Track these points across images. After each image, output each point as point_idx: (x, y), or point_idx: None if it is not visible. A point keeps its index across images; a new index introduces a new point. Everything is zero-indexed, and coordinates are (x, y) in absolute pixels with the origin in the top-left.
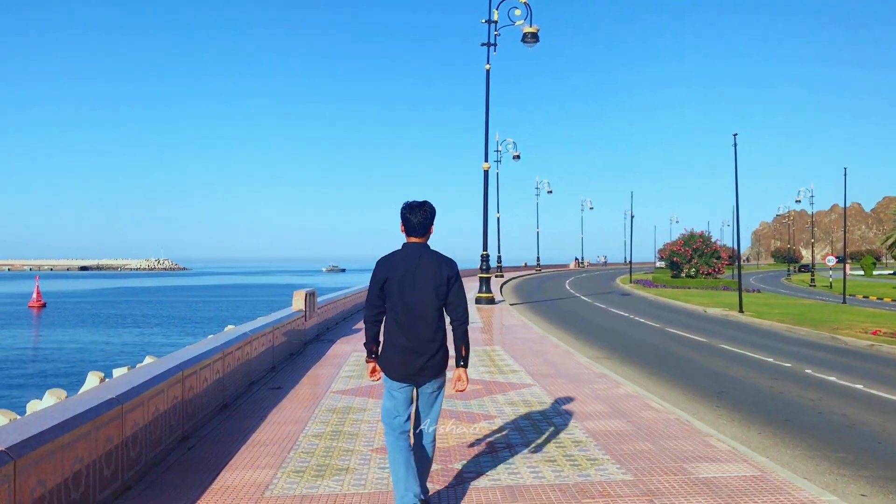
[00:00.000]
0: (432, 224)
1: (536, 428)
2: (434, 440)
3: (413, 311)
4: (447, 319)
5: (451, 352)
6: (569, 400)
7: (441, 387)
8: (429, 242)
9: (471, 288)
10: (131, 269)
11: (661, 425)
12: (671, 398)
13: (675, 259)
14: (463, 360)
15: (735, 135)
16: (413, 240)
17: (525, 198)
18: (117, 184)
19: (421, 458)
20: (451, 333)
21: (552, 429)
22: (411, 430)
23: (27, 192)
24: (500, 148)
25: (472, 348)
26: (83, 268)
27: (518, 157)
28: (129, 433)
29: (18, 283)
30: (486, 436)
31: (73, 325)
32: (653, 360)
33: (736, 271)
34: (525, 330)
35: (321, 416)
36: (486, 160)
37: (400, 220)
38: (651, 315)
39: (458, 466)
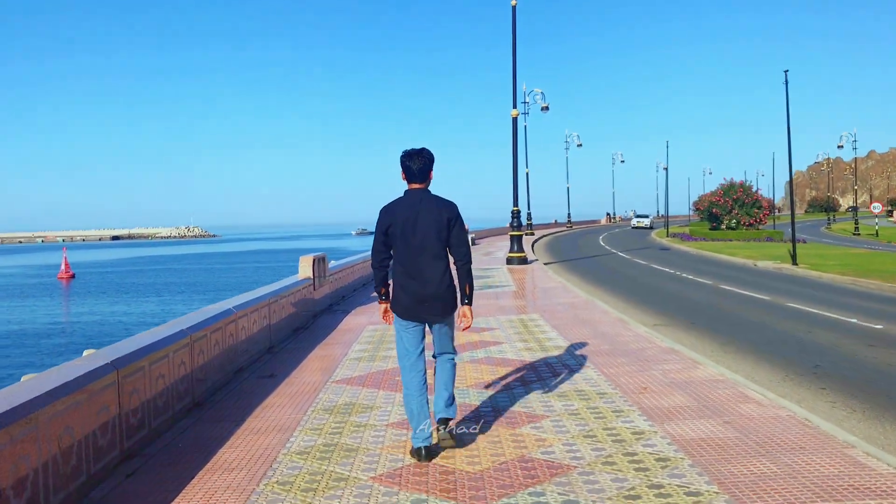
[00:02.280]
0: (431, 170)
1: (601, 437)
2: (453, 367)
3: (417, 253)
4: (451, 260)
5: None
6: (637, 390)
7: (451, 324)
8: (446, 194)
9: (501, 247)
10: (162, 237)
11: (774, 428)
12: (762, 379)
13: (714, 210)
14: (467, 298)
15: (786, 71)
16: (414, 186)
17: (554, 152)
18: (149, 153)
19: (441, 384)
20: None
21: (622, 439)
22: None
23: (61, 164)
24: (527, 99)
25: (505, 316)
26: (115, 237)
27: (547, 108)
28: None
29: (50, 254)
30: (535, 457)
31: (97, 295)
32: (719, 325)
33: (776, 222)
34: (565, 293)
35: (315, 418)
36: (515, 106)
37: (401, 169)
38: (697, 271)
39: None
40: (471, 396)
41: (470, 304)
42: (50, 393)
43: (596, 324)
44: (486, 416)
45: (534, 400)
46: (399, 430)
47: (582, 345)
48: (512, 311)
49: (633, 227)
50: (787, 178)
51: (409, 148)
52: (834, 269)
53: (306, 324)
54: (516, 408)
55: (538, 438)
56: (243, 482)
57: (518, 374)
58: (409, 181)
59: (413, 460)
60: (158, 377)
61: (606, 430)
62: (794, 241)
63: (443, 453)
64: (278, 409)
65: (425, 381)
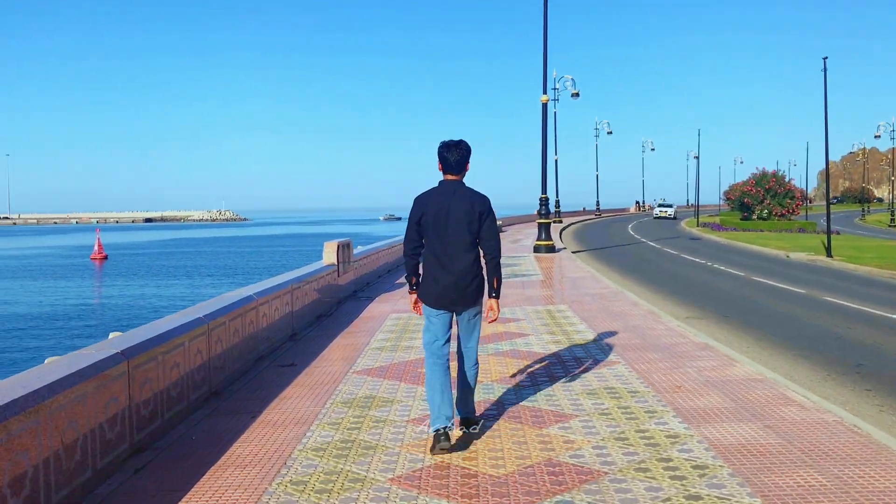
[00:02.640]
0: (468, 161)
1: (633, 440)
2: (476, 363)
3: (448, 244)
4: (481, 252)
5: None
6: (670, 388)
7: (478, 314)
8: (474, 184)
9: (528, 235)
10: (194, 220)
11: (819, 434)
12: (802, 378)
13: (745, 200)
14: (495, 292)
15: (825, 59)
16: (449, 177)
17: (583, 140)
18: (183, 137)
19: (464, 380)
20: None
21: (656, 442)
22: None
23: (97, 147)
24: (557, 86)
25: (532, 307)
26: (148, 220)
27: (577, 94)
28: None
29: (84, 235)
30: (563, 461)
31: (128, 277)
32: (754, 319)
33: (809, 213)
34: (594, 283)
35: (333, 412)
36: (545, 92)
37: (437, 160)
38: (728, 261)
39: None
40: (495, 391)
41: (497, 297)
42: (52, 385)
43: (626, 316)
44: (511, 413)
45: (561, 397)
46: (419, 427)
47: (612, 338)
48: (539, 301)
49: (655, 218)
50: (822, 168)
51: (446, 139)
52: (871, 261)
53: (330, 311)
54: (543, 405)
55: (566, 440)
56: (255, 480)
57: (545, 369)
58: (445, 172)
59: (434, 460)
60: (173, 367)
61: (639, 433)
62: (828, 232)
63: (465, 454)
64: (296, 401)
65: (448, 369)
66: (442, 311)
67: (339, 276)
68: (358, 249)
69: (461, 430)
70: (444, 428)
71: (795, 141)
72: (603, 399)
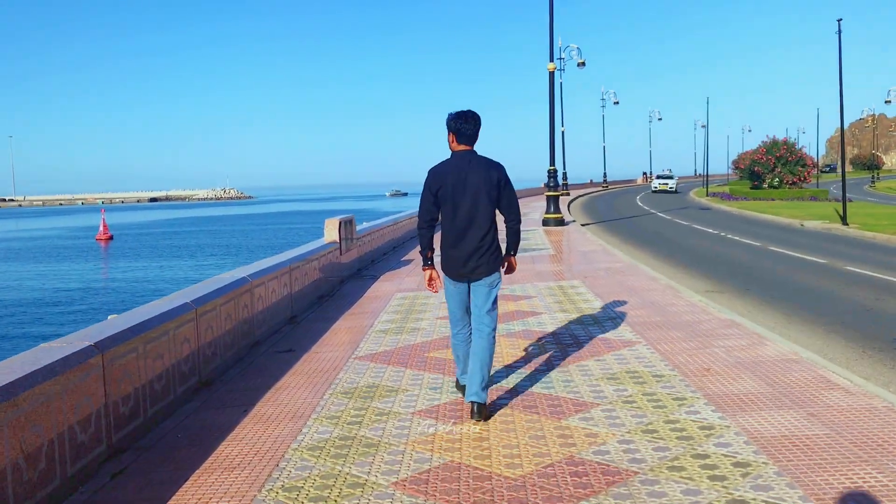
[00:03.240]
0: (479, 132)
1: (662, 432)
2: (493, 332)
3: (466, 214)
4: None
5: None
6: (698, 371)
7: (494, 283)
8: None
9: (535, 208)
10: (199, 199)
11: (870, 424)
12: (838, 356)
13: (755, 169)
14: (513, 249)
15: (839, 20)
16: (462, 147)
17: (589, 112)
18: (188, 117)
19: (478, 350)
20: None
21: (688, 435)
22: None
23: (100, 128)
24: (563, 55)
25: (543, 283)
26: (153, 199)
27: (583, 64)
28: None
29: (90, 216)
30: (587, 458)
31: (132, 257)
32: (777, 292)
33: (819, 181)
34: (606, 256)
35: (332, 403)
36: (551, 60)
37: (448, 131)
38: (742, 231)
39: None
40: (508, 378)
41: (514, 254)
42: (9, 387)
43: (643, 291)
44: (526, 401)
45: (580, 382)
46: (426, 420)
47: (630, 316)
48: (550, 276)
49: (653, 191)
50: (829, 135)
51: (456, 110)
52: (888, 229)
53: (332, 291)
54: (561, 392)
55: (589, 433)
56: (244, 486)
57: (561, 351)
58: (459, 143)
59: (443, 459)
60: (156, 358)
61: (668, 424)
62: (844, 199)
63: (478, 453)
64: (293, 391)
65: (469, 337)
66: (458, 283)
67: (341, 254)
68: (362, 226)
69: (472, 416)
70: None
71: (804, 108)
72: (625, 384)
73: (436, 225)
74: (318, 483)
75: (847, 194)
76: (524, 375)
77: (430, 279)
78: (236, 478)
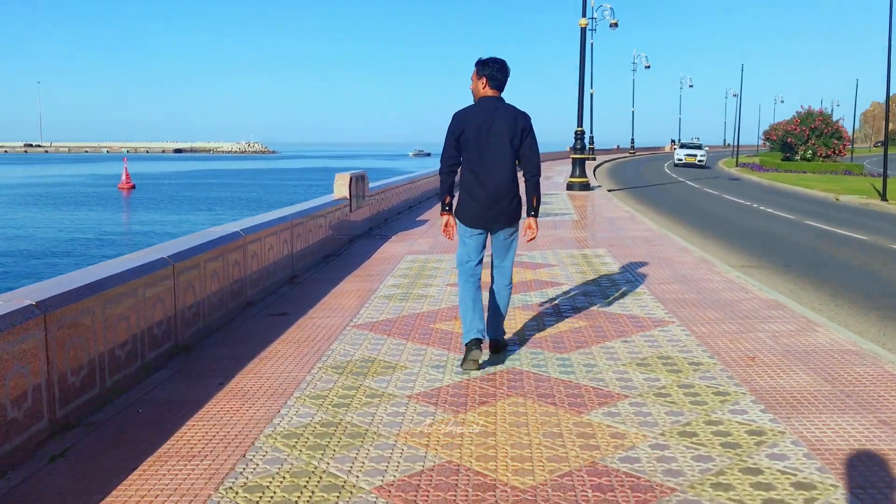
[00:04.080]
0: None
1: (703, 436)
2: (510, 283)
3: (489, 160)
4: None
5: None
6: (742, 359)
7: (514, 234)
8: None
9: (560, 172)
10: (223, 151)
11: None
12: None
13: (788, 140)
14: (534, 210)
15: None
16: (491, 92)
17: (619, 77)
18: (217, 69)
19: (496, 301)
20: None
21: (734, 442)
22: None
23: (129, 76)
24: (595, 15)
25: (565, 251)
26: (177, 150)
27: (616, 24)
28: None
29: (114, 164)
30: (613, 467)
31: (150, 207)
32: (820, 270)
33: (853, 155)
34: (634, 224)
35: (320, 380)
36: (584, 15)
37: (479, 76)
38: (774, 203)
39: None
40: (522, 357)
41: (536, 216)
42: None
43: (674, 263)
44: (541, 389)
45: (605, 368)
46: (424, 406)
47: (661, 291)
48: (573, 244)
49: (676, 164)
50: (865, 108)
51: (487, 56)
52: None
53: (339, 250)
54: (582, 379)
55: (615, 433)
56: (199, 481)
57: (583, 330)
58: (490, 87)
59: (439, 459)
60: (119, 320)
61: (710, 426)
62: (885, 173)
63: (481, 452)
64: (279, 363)
65: (480, 287)
66: (477, 232)
67: (351, 211)
68: (376, 183)
69: (491, 353)
70: (477, 340)
71: (838, 81)
72: (657, 372)
73: (456, 170)
74: (286, 483)
75: (877, 169)
76: (541, 356)
77: (447, 224)
78: (193, 470)
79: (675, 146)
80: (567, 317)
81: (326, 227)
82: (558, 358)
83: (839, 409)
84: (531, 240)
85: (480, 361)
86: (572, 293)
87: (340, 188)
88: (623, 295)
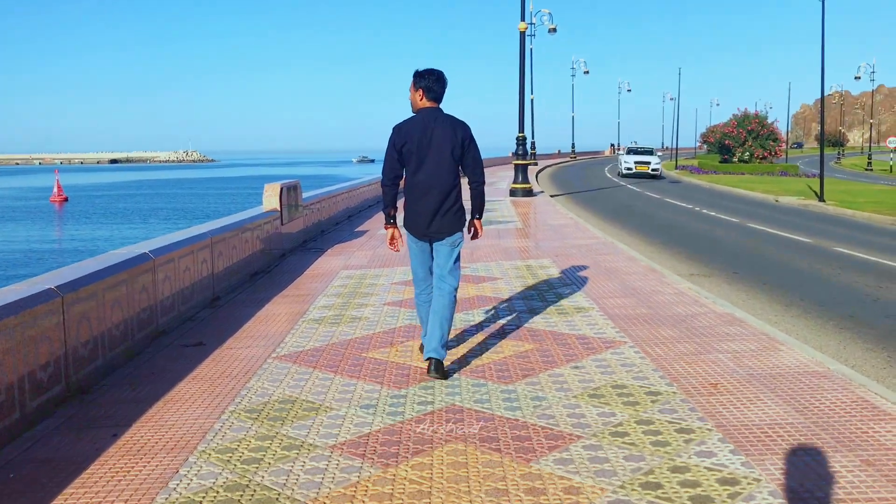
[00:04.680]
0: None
1: (668, 488)
2: (454, 291)
3: (431, 172)
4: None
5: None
6: (703, 387)
7: (457, 242)
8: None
9: (502, 178)
10: (160, 161)
11: None
12: (863, 364)
13: (726, 142)
14: (478, 213)
15: None
16: (429, 104)
17: (557, 81)
18: (149, 77)
19: (438, 309)
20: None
21: (706, 494)
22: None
23: (62, 86)
24: (534, 20)
25: (510, 262)
26: (113, 160)
27: (554, 29)
28: None
29: (47, 176)
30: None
31: (81, 221)
32: (769, 277)
33: (788, 156)
34: (578, 232)
35: (231, 427)
36: (523, 19)
37: (415, 88)
38: (717, 206)
39: None
40: (463, 393)
41: (480, 217)
42: None
43: (622, 274)
44: (484, 430)
45: (554, 401)
46: (349, 459)
47: (610, 306)
48: (517, 254)
49: (623, 174)
50: (795, 111)
51: (423, 68)
52: (866, 206)
53: (269, 266)
54: (529, 416)
55: (568, 488)
56: None
57: (530, 354)
58: (427, 99)
59: None
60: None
61: (675, 473)
62: (822, 175)
63: None
64: (186, 406)
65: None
66: (421, 241)
67: (282, 224)
68: (313, 192)
69: (429, 371)
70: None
71: (770, 84)
72: (613, 405)
73: (399, 182)
74: None
75: (814, 170)
76: (483, 388)
77: (392, 238)
78: None
79: (620, 150)
80: (512, 338)
81: (254, 242)
82: (503, 390)
83: (816, 448)
84: (476, 238)
85: (442, 376)
86: (517, 310)
87: (270, 199)
88: (570, 312)
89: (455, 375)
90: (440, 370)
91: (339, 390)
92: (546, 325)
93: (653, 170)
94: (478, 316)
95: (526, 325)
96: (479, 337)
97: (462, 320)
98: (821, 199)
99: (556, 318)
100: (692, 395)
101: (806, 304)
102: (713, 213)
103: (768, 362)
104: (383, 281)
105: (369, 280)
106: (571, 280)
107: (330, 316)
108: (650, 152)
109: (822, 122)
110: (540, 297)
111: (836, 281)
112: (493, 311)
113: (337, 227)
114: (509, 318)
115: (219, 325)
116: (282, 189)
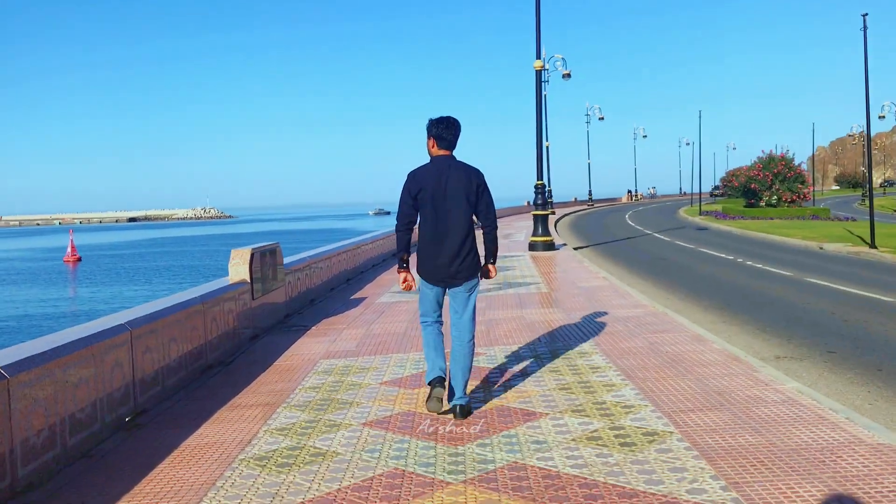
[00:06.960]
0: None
1: None
2: (472, 339)
3: (446, 219)
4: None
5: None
6: None
7: (473, 288)
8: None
9: (520, 228)
10: (178, 218)
11: None
12: None
13: (752, 186)
14: (492, 257)
15: (865, 15)
16: (441, 153)
17: (572, 128)
18: (169, 137)
19: (459, 358)
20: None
21: None
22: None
23: (82, 147)
24: (547, 66)
25: (539, 349)
26: (131, 219)
27: (568, 75)
28: None
29: (64, 236)
30: None
31: (93, 281)
32: (872, 354)
33: (815, 199)
34: (617, 297)
35: None
36: (538, 57)
37: (428, 136)
38: (757, 256)
39: None
40: None
41: (494, 262)
42: None
43: (695, 366)
44: None
45: None
46: None
47: (695, 429)
48: (547, 336)
49: None
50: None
51: (436, 116)
52: None
53: (233, 353)
54: None
55: None
56: None
57: None
58: (439, 148)
59: None
60: None
61: None
62: (871, 219)
63: None
64: None
65: (442, 337)
66: (435, 287)
67: (253, 298)
68: (302, 255)
69: (455, 416)
70: (440, 378)
71: (788, 126)
72: None
73: (413, 227)
74: None
75: (843, 213)
76: None
77: (404, 281)
78: None
79: (635, 196)
80: (553, 491)
81: (210, 326)
82: None
83: None
84: (490, 278)
85: (440, 410)
86: (561, 447)
87: (238, 268)
88: (640, 442)
89: None
90: (465, 414)
91: None
92: (607, 473)
93: None
94: (501, 454)
95: (574, 469)
96: (508, 497)
97: (478, 470)
98: (873, 245)
99: (619, 454)
100: None
101: None
102: (759, 266)
103: None
104: (370, 379)
105: (352, 376)
106: (628, 381)
107: (284, 448)
108: None
109: (869, 158)
110: (587, 412)
111: None
112: (522, 442)
113: (331, 293)
114: (551, 454)
115: (116, 472)
116: (253, 255)
